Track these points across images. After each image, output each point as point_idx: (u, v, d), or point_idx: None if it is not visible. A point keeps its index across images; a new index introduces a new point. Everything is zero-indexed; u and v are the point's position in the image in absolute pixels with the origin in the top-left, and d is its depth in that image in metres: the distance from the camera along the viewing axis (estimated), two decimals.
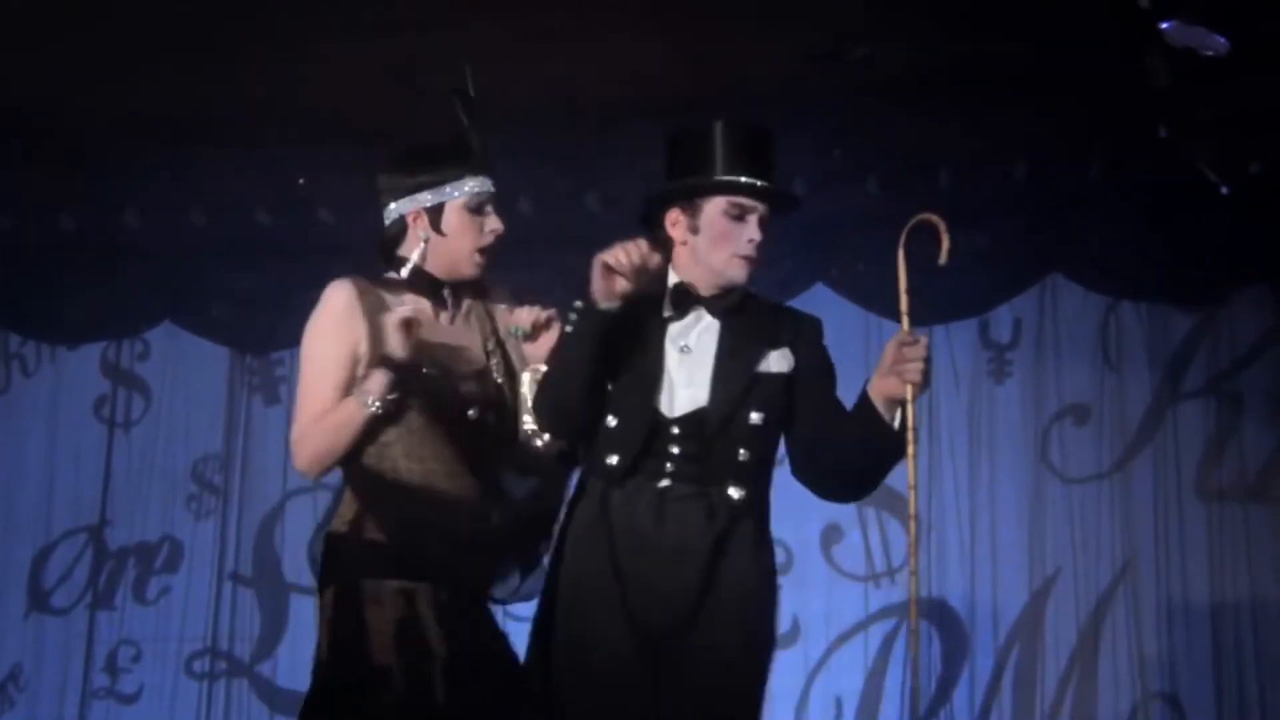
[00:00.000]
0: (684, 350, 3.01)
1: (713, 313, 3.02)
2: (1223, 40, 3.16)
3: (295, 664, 6.07)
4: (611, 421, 2.99)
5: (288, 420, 6.20)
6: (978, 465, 5.71)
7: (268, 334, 6.22)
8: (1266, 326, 5.52)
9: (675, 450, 2.96)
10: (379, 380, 3.09)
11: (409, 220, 3.19)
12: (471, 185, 3.16)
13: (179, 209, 5.91)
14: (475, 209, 3.16)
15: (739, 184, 3.00)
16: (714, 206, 3.02)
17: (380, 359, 3.09)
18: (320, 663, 3.15)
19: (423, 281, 3.19)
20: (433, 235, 3.16)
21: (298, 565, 6.13)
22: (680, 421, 2.96)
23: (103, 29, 4.67)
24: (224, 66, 4.90)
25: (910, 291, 2.89)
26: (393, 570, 3.09)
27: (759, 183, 3.00)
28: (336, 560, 3.20)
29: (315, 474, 3.21)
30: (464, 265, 3.18)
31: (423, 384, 3.11)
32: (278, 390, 6.29)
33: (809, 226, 5.29)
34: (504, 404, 3.18)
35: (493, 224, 3.17)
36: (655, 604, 2.90)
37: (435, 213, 3.16)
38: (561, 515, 3.08)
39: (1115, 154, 5.17)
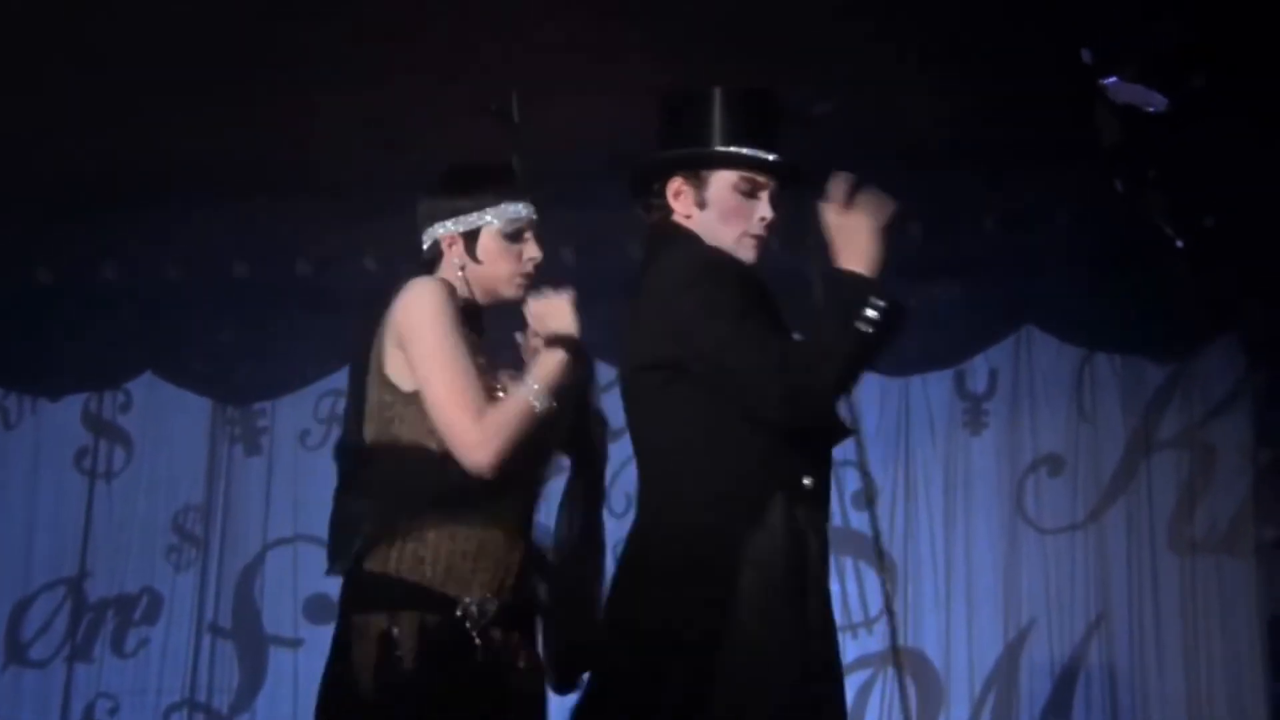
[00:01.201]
0: None
1: None
2: (1161, 97, 3.31)
3: (273, 716, 6.16)
4: (794, 435, 2.69)
5: (269, 471, 6.37)
6: (953, 515, 5.81)
7: (248, 385, 6.35)
8: (1237, 377, 5.62)
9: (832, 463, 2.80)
10: (552, 369, 2.90)
11: (443, 246, 3.04)
12: (509, 210, 3.03)
13: (156, 261, 6.05)
14: (512, 236, 3.03)
15: (754, 159, 2.81)
16: (723, 180, 2.84)
17: (551, 340, 2.92)
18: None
19: (463, 308, 3.00)
20: (468, 263, 3.02)
21: (277, 617, 6.24)
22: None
23: (79, 81, 4.81)
24: (199, 119, 5.04)
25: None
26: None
27: (771, 157, 2.80)
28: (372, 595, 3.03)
29: (498, 474, 2.87)
30: (503, 290, 3.04)
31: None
32: (259, 441, 6.40)
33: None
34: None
35: (531, 251, 3.04)
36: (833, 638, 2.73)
37: (470, 239, 3.02)
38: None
39: (1082, 207, 5.32)
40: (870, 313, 2.59)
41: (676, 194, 2.87)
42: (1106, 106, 3.88)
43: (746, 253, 2.83)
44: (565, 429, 2.96)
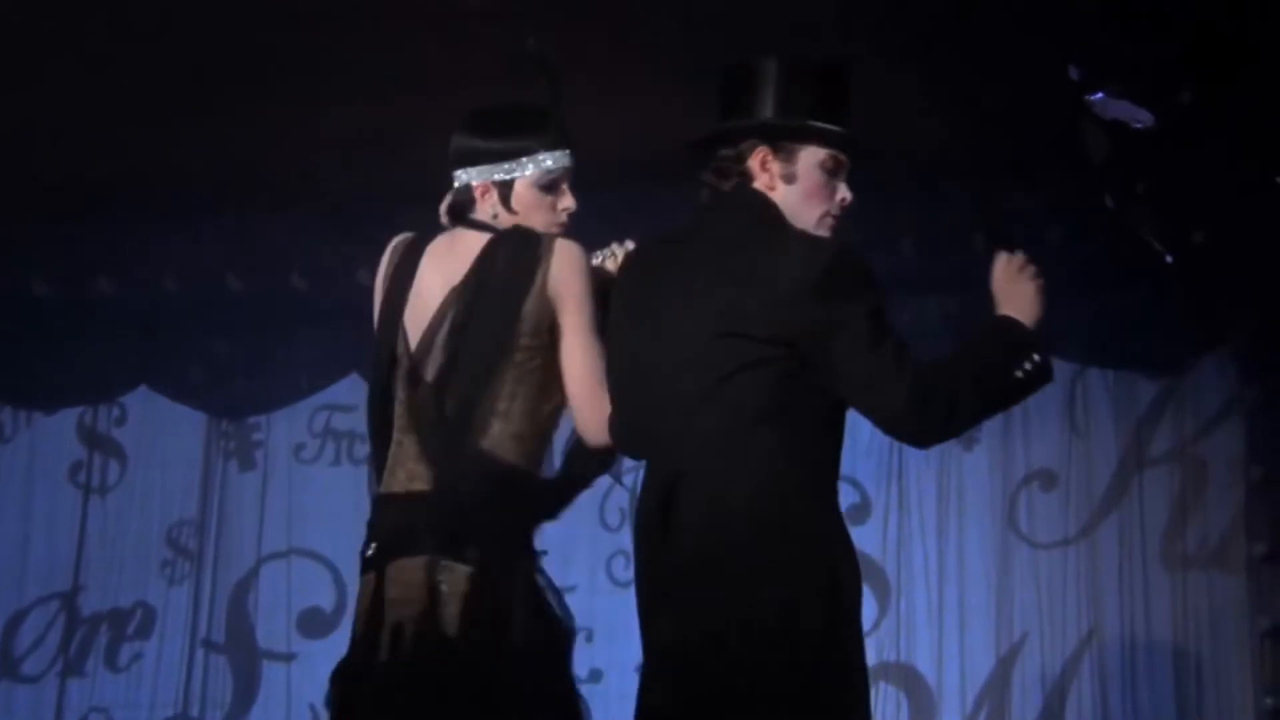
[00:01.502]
0: None
1: None
2: (1147, 113, 3.34)
3: None
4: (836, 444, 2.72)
5: (263, 485, 6.40)
6: (946, 531, 5.83)
7: (243, 399, 6.38)
8: (1229, 393, 5.65)
9: None
10: None
11: (476, 193, 2.99)
12: (546, 161, 2.97)
13: (151, 274, 6.08)
14: (548, 186, 2.98)
15: (848, 138, 2.77)
16: (811, 156, 2.77)
17: None
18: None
19: None
20: (501, 211, 2.97)
21: (270, 631, 6.26)
22: None
23: (75, 94, 4.85)
24: (194, 133, 5.07)
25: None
26: None
27: (849, 137, 2.77)
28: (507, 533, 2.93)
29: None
30: None
31: None
32: (253, 455, 6.42)
33: None
34: None
35: (566, 202, 3.00)
36: None
37: (505, 188, 2.97)
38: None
39: (1074, 223, 5.35)
40: (1028, 365, 2.63)
41: (763, 163, 2.78)
42: (1094, 122, 3.91)
43: (825, 233, 2.78)
44: None
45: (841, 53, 2.93)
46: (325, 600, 6.19)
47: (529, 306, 2.87)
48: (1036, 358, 2.64)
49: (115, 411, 6.52)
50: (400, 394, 2.96)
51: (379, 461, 3.00)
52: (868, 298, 2.64)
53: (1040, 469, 5.83)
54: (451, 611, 2.80)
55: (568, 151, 2.99)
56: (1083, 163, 4.37)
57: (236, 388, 6.37)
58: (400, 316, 2.99)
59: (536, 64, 3.03)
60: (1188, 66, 3.72)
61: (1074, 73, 3.74)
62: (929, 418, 2.61)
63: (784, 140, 2.76)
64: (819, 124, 2.76)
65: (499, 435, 2.86)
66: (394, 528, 2.92)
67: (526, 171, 2.96)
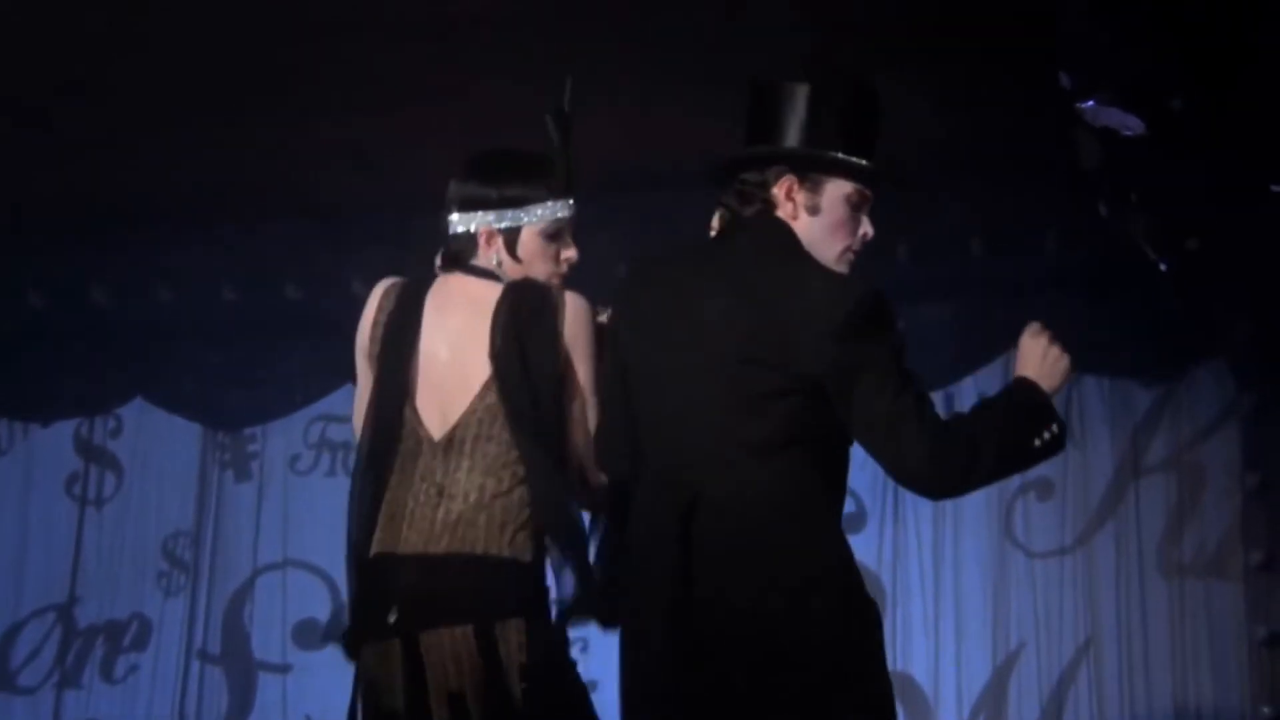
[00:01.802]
0: None
1: None
2: (1138, 120, 3.35)
3: None
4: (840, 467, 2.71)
5: (259, 496, 6.40)
6: (942, 540, 5.84)
7: (239, 410, 6.39)
8: (1225, 401, 5.66)
9: None
10: None
11: (481, 239, 2.94)
12: (551, 210, 2.95)
13: (146, 286, 6.09)
14: (554, 235, 2.96)
15: (876, 173, 2.71)
16: (838, 189, 2.70)
17: None
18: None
19: None
20: (506, 259, 2.94)
21: (266, 642, 6.26)
22: None
23: (69, 108, 4.86)
24: (188, 145, 5.09)
25: None
26: None
27: (877, 172, 2.71)
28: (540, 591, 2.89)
29: None
30: None
31: None
32: (249, 466, 6.43)
33: None
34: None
35: (569, 252, 2.98)
36: None
37: (512, 235, 2.94)
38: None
39: (1070, 230, 5.37)
40: (1047, 435, 2.60)
41: (789, 193, 2.71)
42: (1085, 130, 3.92)
43: (844, 268, 2.71)
44: None
45: (858, 68, 2.92)
46: (321, 612, 6.19)
47: (557, 365, 2.86)
48: (1055, 428, 2.62)
49: (111, 423, 6.53)
50: (409, 453, 2.92)
51: (367, 519, 2.94)
52: (891, 341, 2.62)
53: (1036, 477, 5.83)
54: (513, 676, 2.80)
55: (572, 201, 2.97)
56: (1077, 170, 4.38)
57: (232, 399, 6.38)
58: (406, 375, 2.95)
59: (552, 118, 2.99)
60: (1183, 72, 3.73)
61: (1065, 80, 3.75)
62: (947, 474, 2.60)
63: (812, 171, 2.70)
64: (848, 158, 2.70)
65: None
66: (423, 591, 2.85)
67: (534, 219, 2.93)
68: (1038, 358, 2.66)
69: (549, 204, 2.94)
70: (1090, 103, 3.58)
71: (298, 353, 6.22)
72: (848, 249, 2.72)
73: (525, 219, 2.93)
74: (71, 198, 5.44)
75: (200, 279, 6.04)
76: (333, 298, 5.93)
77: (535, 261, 2.94)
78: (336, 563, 6.14)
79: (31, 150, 5.14)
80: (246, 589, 6.32)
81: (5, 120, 4.96)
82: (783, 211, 2.72)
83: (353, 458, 6.24)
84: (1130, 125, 3.51)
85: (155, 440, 6.47)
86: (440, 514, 2.84)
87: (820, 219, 2.69)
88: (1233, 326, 5.41)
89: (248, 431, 6.44)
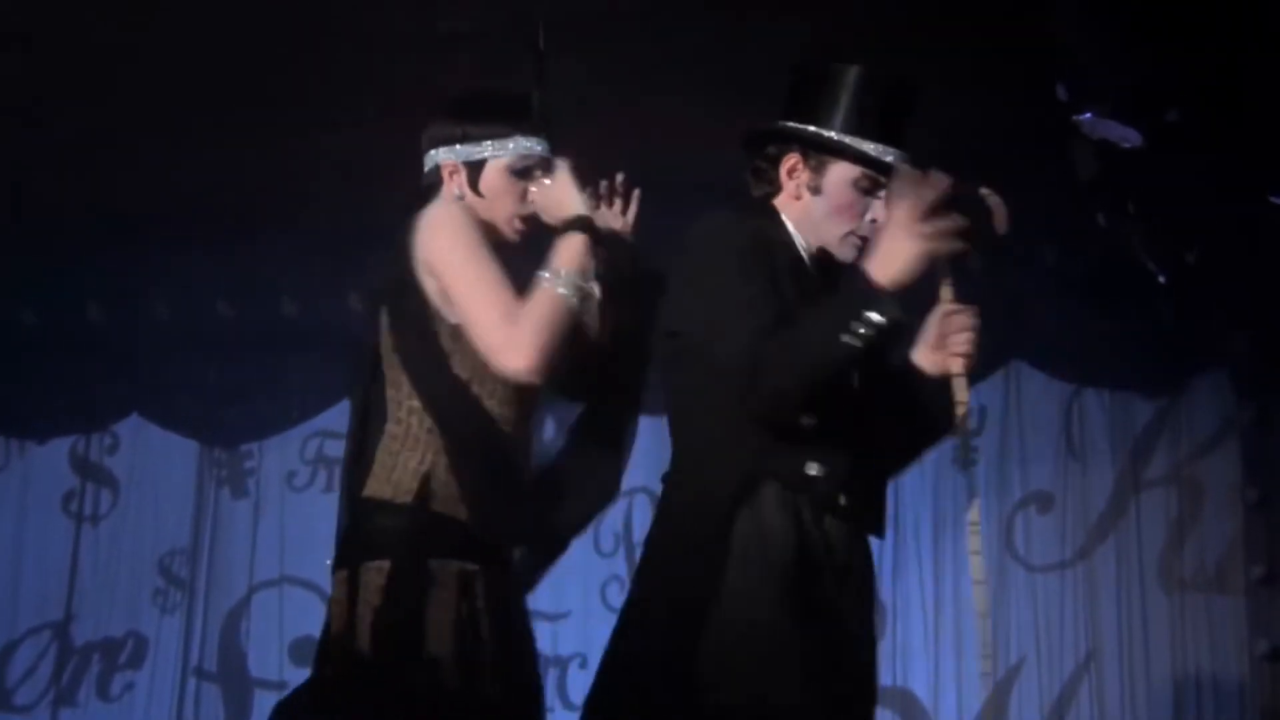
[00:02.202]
0: None
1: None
2: (1135, 133, 3.35)
3: None
4: (807, 421, 2.56)
5: (255, 513, 6.40)
6: (942, 553, 5.84)
7: (235, 426, 6.39)
8: (1226, 414, 5.66)
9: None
10: (572, 254, 2.72)
11: (444, 173, 2.87)
12: (520, 145, 2.84)
13: (142, 303, 6.10)
14: (520, 172, 2.83)
15: (879, 160, 2.63)
16: (843, 171, 2.65)
17: (565, 225, 2.73)
18: (347, 648, 2.72)
19: None
20: (468, 194, 2.84)
21: (263, 660, 6.25)
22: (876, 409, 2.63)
23: (61, 124, 4.87)
24: (182, 159, 5.09)
25: (953, 261, 2.60)
26: (461, 550, 2.72)
27: (889, 157, 2.62)
28: (393, 534, 2.73)
29: (544, 375, 2.72)
30: (501, 231, 2.84)
31: None
32: (245, 483, 6.43)
33: None
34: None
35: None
36: (851, 640, 2.58)
37: (475, 169, 2.84)
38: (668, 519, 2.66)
39: (1068, 241, 5.37)
40: (862, 329, 2.45)
41: (791, 171, 2.68)
42: (1082, 142, 3.93)
43: (847, 252, 2.65)
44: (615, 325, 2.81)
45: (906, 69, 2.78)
46: (317, 629, 6.16)
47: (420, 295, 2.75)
48: (875, 319, 2.45)
49: (107, 440, 6.54)
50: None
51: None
52: (729, 284, 2.57)
53: (1036, 491, 5.84)
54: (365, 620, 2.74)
55: (545, 141, 2.86)
56: (1075, 181, 4.39)
57: (228, 415, 6.38)
58: None
59: (530, 54, 2.99)
60: (1180, 83, 3.74)
61: (1062, 92, 3.76)
62: (762, 404, 2.53)
63: (817, 152, 2.66)
64: (842, 138, 2.63)
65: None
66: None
67: (500, 154, 2.83)
68: (887, 244, 2.51)
69: (517, 139, 2.84)
70: (1087, 115, 3.58)
71: (295, 368, 6.23)
72: (851, 233, 2.65)
73: (489, 153, 2.83)
74: (66, 213, 5.45)
75: (196, 294, 6.06)
76: (329, 313, 5.94)
77: (498, 198, 2.83)
78: None
79: (26, 166, 5.14)
80: (243, 606, 6.31)
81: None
82: (786, 191, 2.69)
83: None
84: (1127, 137, 3.51)
85: (151, 457, 6.48)
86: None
87: (822, 200, 2.65)
88: (1231, 339, 5.42)
89: (244, 448, 6.45)
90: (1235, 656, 5.48)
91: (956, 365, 2.66)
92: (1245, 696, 5.44)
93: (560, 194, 2.78)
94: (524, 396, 2.79)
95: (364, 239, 5.62)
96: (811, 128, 2.66)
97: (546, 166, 2.85)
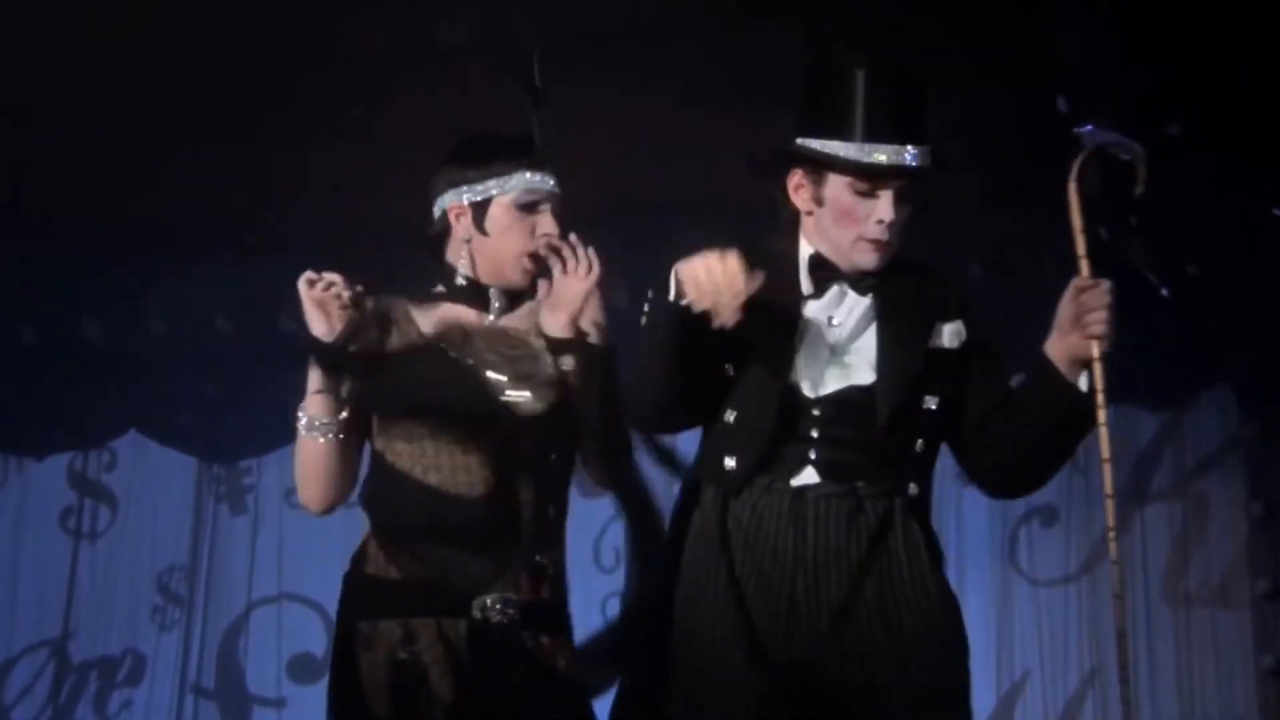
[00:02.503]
0: (831, 324, 2.57)
1: (859, 290, 2.58)
2: (1138, 146, 3.34)
3: None
4: (729, 416, 2.54)
5: (254, 529, 6.39)
6: (946, 567, 5.81)
7: (234, 442, 6.38)
8: (1230, 429, 5.65)
9: (817, 436, 2.52)
10: (311, 387, 2.83)
11: (451, 217, 2.83)
12: (523, 180, 2.80)
13: (138, 319, 6.09)
14: (526, 207, 2.80)
15: (870, 162, 2.52)
16: (837, 178, 2.56)
17: (306, 346, 2.81)
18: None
19: (467, 290, 2.85)
20: (475, 235, 2.81)
21: (261, 677, 6.24)
22: (828, 402, 2.51)
23: (60, 142, 4.87)
24: (179, 176, 5.10)
25: (1085, 232, 2.49)
26: (391, 607, 2.75)
27: (884, 160, 2.51)
28: (340, 604, 2.86)
29: (318, 511, 2.96)
30: (510, 270, 2.82)
31: (422, 380, 2.77)
32: (244, 499, 6.43)
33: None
34: (558, 407, 2.76)
35: (546, 225, 2.79)
36: (796, 631, 2.46)
37: (480, 209, 2.81)
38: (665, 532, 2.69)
39: (1070, 254, 5.34)
40: (645, 307, 2.56)
41: (797, 188, 2.61)
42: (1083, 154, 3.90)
43: (863, 257, 2.56)
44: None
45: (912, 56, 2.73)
46: (316, 646, 6.17)
47: None
48: (650, 294, 2.50)
49: (105, 456, 6.53)
50: None
51: None
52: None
53: (1040, 505, 5.82)
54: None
55: (552, 177, 2.83)
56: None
57: (227, 431, 6.37)
58: None
59: (521, 84, 2.84)
60: (1181, 96, 3.73)
61: (1062, 104, 3.75)
62: (632, 415, 2.63)
63: (803, 163, 2.59)
64: (830, 145, 2.53)
65: None
66: None
67: (504, 191, 2.81)
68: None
69: (519, 175, 2.80)
70: (1088, 127, 3.57)
71: (293, 383, 6.17)
72: (859, 237, 2.57)
73: (494, 190, 2.80)
74: (63, 231, 5.45)
75: (193, 310, 6.04)
76: None
77: (505, 235, 2.80)
78: (331, 596, 6.15)
79: (22, 183, 5.15)
80: (241, 623, 6.31)
81: None
82: (801, 209, 2.62)
83: None
84: (1129, 150, 3.50)
85: (150, 473, 6.47)
86: None
87: (827, 210, 2.58)
88: (1235, 353, 5.42)
89: (243, 464, 6.44)
90: (1241, 671, 5.47)
91: (1094, 348, 2.59)
92: (1252, 712, 5.42)
93: (308, 314, 2.82)
94: (490, 458, 2.77)
95: (361, 254, 5.66)
96: (798, 140, 2.60)
97: (553, 201, 2.82)
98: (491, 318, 2.84)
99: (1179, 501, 5.71)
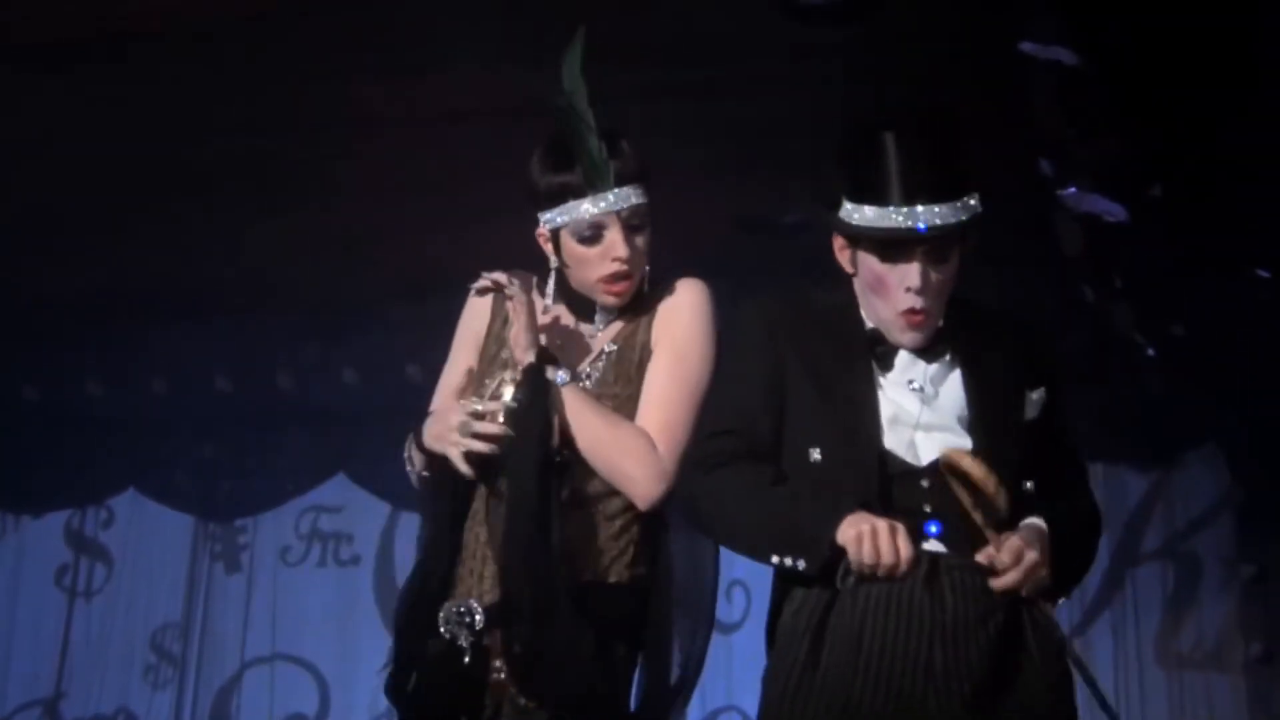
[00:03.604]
0: (912, 386, 2.38)
1: (926, 358, 2.39)
2: (1119, 208, 3.38)
3: None
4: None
5: (248, 588, 6.40)
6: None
7: (230, 501, 6.41)
8: (1219, 489, 5.65)
9: (930, 510, 2.32)
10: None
11: (540, 241, 2.69)
12: (579, 211, 2.61)
13: (139, 378, 6.13)
14: (588, 237, 2.62)
15: (886, 226, 2.33)
16: (863, 246, 2.39)
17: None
18: None
19: (571, 298, 2.70)
20: (555, 260, 2.68)
21: None
22: (933, 471, 2.31)
23: (59, 203, 4.93)
24: (179, 237, 5.14)
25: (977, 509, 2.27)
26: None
27: (909, 215, 2.33)
28: None
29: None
30: (598, 297, 2.67)
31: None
32: (239, 558, 6.43)
33: None
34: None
35: (617, 250, 2.61)
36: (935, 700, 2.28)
37: (554, 237, 2.66)
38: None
39: (1056, 315, 5.39)
40: (787, 560, 2.38)
41: (840, 252, 2.45)
42: (1066, 216, 3.95)
43: (902, 334, 2.37)
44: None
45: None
46: (308, 707, 6.17)
47: None
48: (788, 562, 2.34)
49: (103, 514, 6.55)
50: None
51: None
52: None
53: None
54: None
55: (611, 193, 2.61)
56: (1061, 256, 4.40)
57: (223, 489, 6.40)
58: None
59: (566, 109, 2.62)
60: (1162, 157, 3.77)
61: (1045, 167, 3.79)
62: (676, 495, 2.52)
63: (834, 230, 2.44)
64: (846, 211, 2.39)
65: None
66: None
67: (567, 222, 2.63)
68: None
69: (570, 204, 2.62)
70: (1071, 189, 3.61)
71: (290, 443, 6.25)
72: (895, 313, 2.37)
73: (559, 220, 2.64)
74: (64, 292, 5.50)
75: (193, 370, 6.08)
76: (325, 387, 5.98)
77: (577, 266, 2.65)
78: (325, 656, 6.18)
79: (22, 244, 5.20)
80: (234, 683, 6.29)
81: None
82: (848, 271, 2.48)
83: (343, 548, 6.28)
84: (1112, 212, 3.54)
85: (146, 531, 6.48)
86: None
87: (859, 279, 2.43)
88: (1223, 413, 5.43)
89: (239, 522, 6.46)
90: None
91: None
92: None
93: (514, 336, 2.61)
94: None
95: (358, 314, 5.73)
96: (827, 208, 2.46)
97: (618, 218, 2.63)
98: (596, 330, 2.68)
99: (1170, 562, 5.71)
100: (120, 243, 5.24)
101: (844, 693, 2.28)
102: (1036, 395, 2.40)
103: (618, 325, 2.67)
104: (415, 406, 2.79)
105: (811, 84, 4.12)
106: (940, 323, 2.41)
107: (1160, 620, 5.66)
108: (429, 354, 2.97)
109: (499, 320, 2.71)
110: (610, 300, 2.66)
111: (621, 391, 2.62)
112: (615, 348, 2.64)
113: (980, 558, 2.29)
